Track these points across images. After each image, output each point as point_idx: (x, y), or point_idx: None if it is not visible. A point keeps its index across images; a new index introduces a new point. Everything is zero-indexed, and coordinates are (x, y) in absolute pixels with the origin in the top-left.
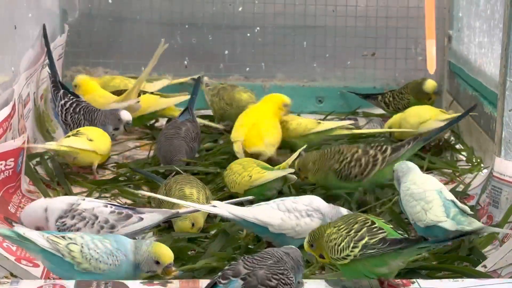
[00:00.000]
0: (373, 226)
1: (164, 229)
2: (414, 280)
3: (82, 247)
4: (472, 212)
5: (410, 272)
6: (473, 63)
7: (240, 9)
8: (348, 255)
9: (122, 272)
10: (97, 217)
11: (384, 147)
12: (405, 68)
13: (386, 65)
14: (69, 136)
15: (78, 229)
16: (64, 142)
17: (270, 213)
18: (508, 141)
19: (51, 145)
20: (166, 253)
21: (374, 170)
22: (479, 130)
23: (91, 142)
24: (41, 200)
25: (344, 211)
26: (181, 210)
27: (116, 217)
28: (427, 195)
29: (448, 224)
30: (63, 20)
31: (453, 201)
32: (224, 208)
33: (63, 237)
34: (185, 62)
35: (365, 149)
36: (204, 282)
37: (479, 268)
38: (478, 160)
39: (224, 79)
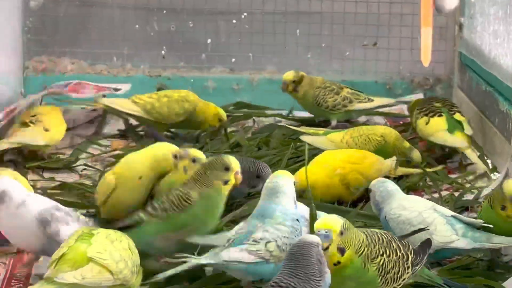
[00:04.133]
0: (395, 238)
1: None
2: None
3: (276, 241)
4: (482, 224)
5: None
6: (487, 54)
7: None
8: (404, 279)
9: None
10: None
11: None
12: (411, 59)
13: (389, 57)
14: (26, 124)
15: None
16: (18, 138)
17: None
18: None
19: (3, 145)
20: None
21: None
22: (493, 129)
23: (46, 133)
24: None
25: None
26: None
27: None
28: (425, 217)
29: (462, 243)
30: (24, 3)
31: (453, 216)
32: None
33: (255, 241)
34: (163, 52)
35: None
36: None
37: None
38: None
39: (206, 72)
